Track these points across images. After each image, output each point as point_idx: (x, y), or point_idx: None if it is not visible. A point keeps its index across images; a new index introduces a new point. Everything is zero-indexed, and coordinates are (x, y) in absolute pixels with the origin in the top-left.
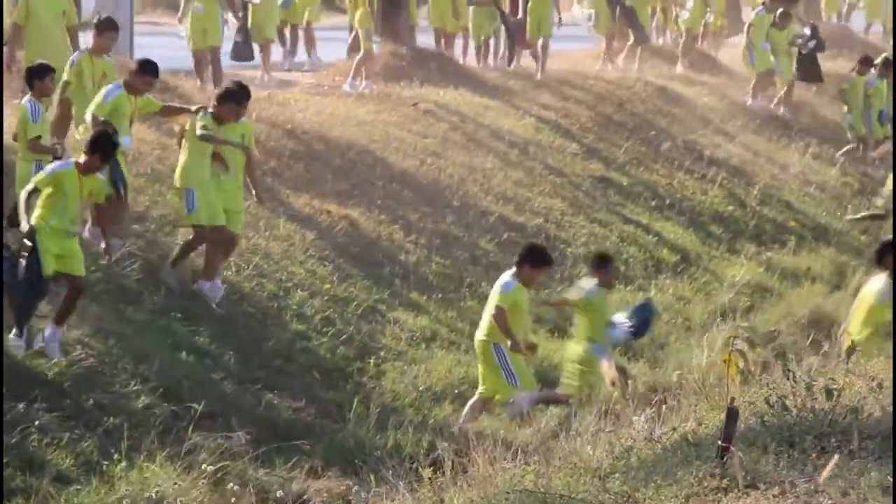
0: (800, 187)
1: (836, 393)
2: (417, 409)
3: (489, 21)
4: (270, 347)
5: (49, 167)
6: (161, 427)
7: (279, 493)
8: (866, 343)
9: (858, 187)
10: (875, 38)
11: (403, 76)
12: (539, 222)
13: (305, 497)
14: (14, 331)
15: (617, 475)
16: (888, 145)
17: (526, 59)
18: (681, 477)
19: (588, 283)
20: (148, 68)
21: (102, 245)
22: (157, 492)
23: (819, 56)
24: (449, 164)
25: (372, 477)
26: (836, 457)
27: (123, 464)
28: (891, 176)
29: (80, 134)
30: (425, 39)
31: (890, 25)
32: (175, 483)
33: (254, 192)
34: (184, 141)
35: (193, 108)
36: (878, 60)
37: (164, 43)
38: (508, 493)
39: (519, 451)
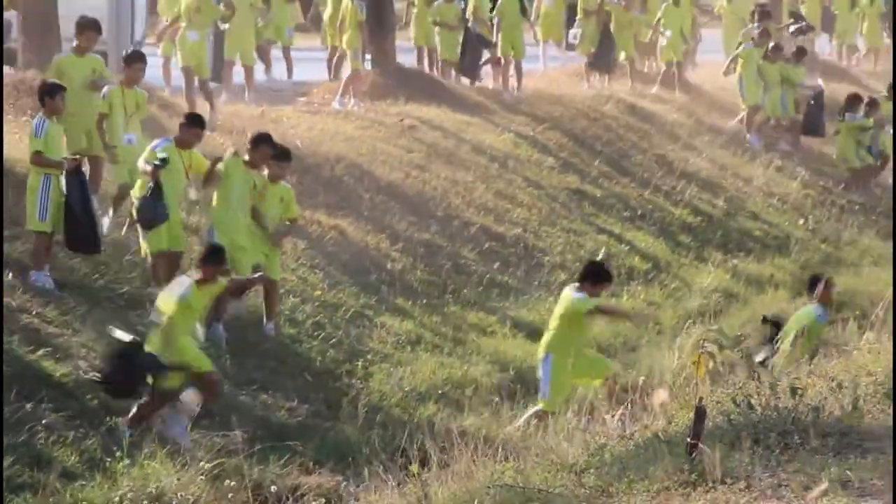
0: (763, 199)
1: (798, 392)
2: (403, 409)
3: (457, 42)
4: (264, 351)
5: (174, 295)
6: (162, 426)
7: (273, 489)
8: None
9: (819, 199)
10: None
11: (389, 94)
12: (518, 232)
13: (298, 492)
14: None
15: (592, 470)
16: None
17: (490, 78)
18: (652, 472)
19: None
20: (196, 121)
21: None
22: (158, 487)
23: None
24: (433, 177)
25: (366, 471)
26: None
27: (126, 461)
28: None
29: (137, 190)
30: (409, 59)
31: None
32: (175, 479)
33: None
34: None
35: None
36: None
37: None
38: (489, 487)
39: (500, 448)
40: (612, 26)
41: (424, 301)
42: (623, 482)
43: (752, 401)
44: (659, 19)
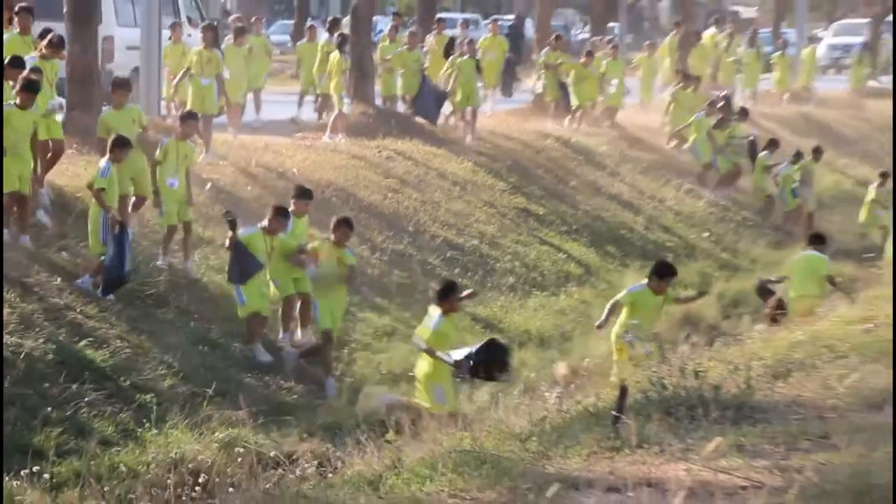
0: (674, 216)
1: (702, 374)
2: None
3: (417, 84)
4: (268, 341)
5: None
6: (183, 403)
7: (273, 454)
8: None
9: (720, 216)
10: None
11: (369, 131)
12: (475, 243)
13: (294, 456)
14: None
15: (534, 438)
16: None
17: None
18: (584, 439)
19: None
20: (282, 212)
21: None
22: (178, 452)
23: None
24: (405, 198)
25: (350, 439)
26: (720, 439)
27: (153, 431)
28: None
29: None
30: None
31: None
32: (194, 446)
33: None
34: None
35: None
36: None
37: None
38: (451, 452)
39: (460, 420)
40: (569, 80)
41: (398, 300)
42: (559, 448)
43: (665, 381)
44: (603, 73)
